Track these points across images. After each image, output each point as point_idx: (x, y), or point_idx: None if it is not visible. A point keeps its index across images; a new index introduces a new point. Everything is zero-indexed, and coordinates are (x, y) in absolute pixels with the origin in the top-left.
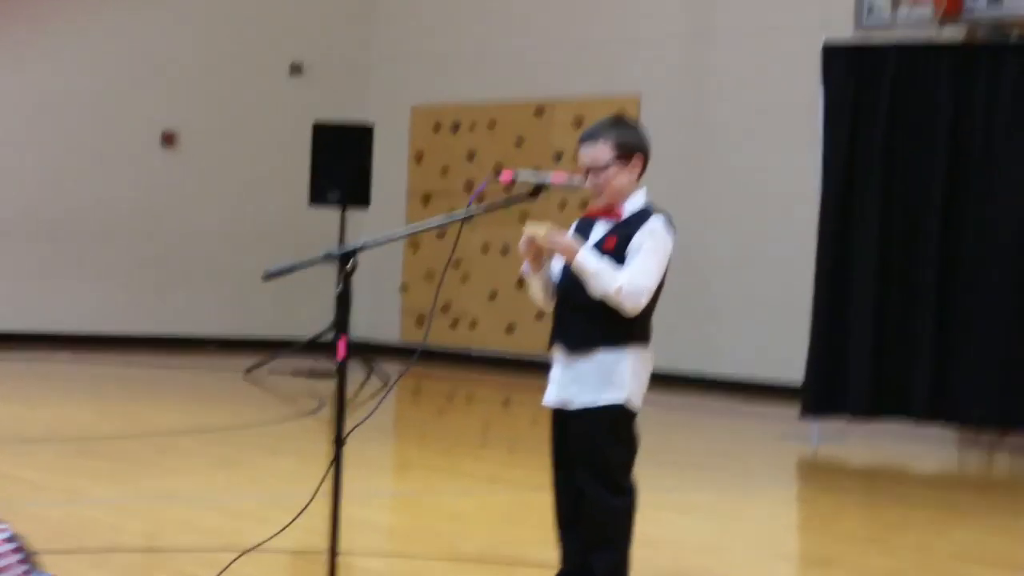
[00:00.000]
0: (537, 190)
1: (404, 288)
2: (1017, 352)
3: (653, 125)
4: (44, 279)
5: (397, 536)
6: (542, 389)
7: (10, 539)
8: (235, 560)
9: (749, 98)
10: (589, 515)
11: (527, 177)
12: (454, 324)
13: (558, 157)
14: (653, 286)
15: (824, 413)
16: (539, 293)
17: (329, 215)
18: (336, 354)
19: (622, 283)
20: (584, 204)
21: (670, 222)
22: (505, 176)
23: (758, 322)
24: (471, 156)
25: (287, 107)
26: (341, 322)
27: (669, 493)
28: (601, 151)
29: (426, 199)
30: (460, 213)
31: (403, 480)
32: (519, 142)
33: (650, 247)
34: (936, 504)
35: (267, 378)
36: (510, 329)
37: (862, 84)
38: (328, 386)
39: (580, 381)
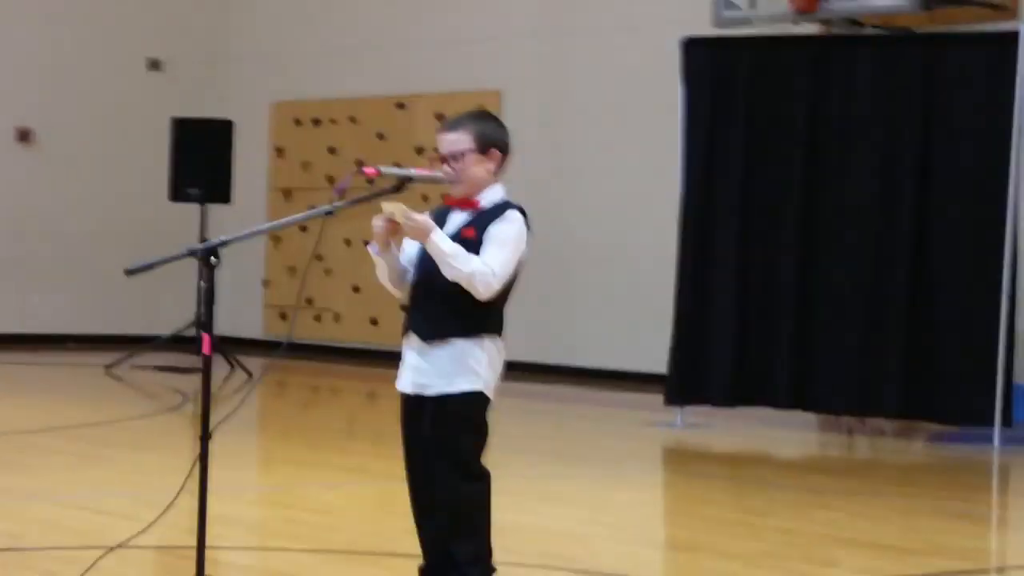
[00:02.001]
0: (401, 183)
1: (266, 283)
2: (873, 342)
3: (514, 119)
4: None
5: (265, 530)
6: None
7: None
8: (101, 558)
9: (609, 93)
10: (445, 502)
11: (392, 171)
12: (318, 317)
13: (420, 151)
14: (506, 274)
15: (688, 402)
16: (384, 275)
17: (190, 211)
18: (200, 349)
19: (476, 267)
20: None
21: (526, 217)
22: (369, 170)
23: (622, 313)
24: (333, 151)
25: (146, 103)
26: (206, 317)
27: (534, 481)
28: (460, 139)
29: (287, 194)
30: (324, 208)
31: (269, 474)
32: (381, 136)
33: (505, 237)
34: (799, 487)
35: (129, 374)
36: (374, 322)
37: (721, 78)
38: (190, 381)
39: (436, 368)
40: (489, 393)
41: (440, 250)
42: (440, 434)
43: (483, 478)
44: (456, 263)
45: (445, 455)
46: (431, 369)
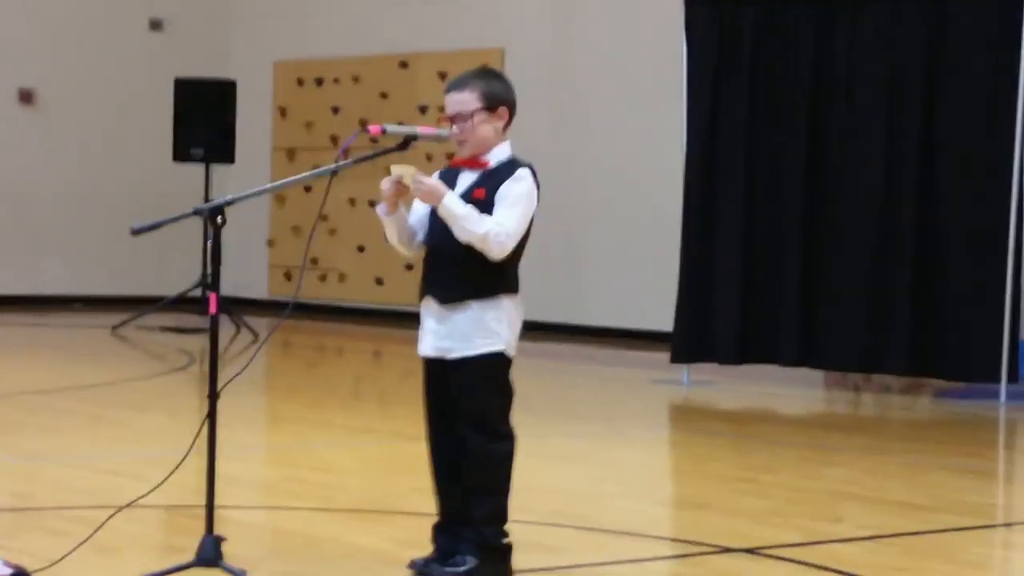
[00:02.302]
0: (406, 142)
1: (271, 243)
2: (879, 299)
3: (518, 78)
4: None
5: (272, 489)
6: (413, 340)
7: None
8: (111, 517)
9: (614, 51)
10: (470, 463)
11: (396, 129)
12: (323, 278)
13: (423, 110)
14: (519, 233)
15: (694, 360)
16: (394, 236)
17: (193, 172)
18: (206, 309)
19: (489, 228)
20: (451, 157)
21: (535, 174)
22: (374, 129)
23: (628, 271)
24: (336, 111)
25: (148, 63)
26: (212, 277)
27: (544, 440)
28: (468, 99)
29: (291, 154)
30: (329, 167)
31: (275, 433)
32: (384, 96)
33: (516, 195)
34: (805, 445)
35: (135, 335)
36: (379, 282)
37: (724, 37)
38: (196, 342)
39: (456, 331)
40: (510, 352)
41: (453, 213)
42: (464, 396)
43: (509, 438)
44: (469, 225)
45: (471, 417)
46: (451, 332)
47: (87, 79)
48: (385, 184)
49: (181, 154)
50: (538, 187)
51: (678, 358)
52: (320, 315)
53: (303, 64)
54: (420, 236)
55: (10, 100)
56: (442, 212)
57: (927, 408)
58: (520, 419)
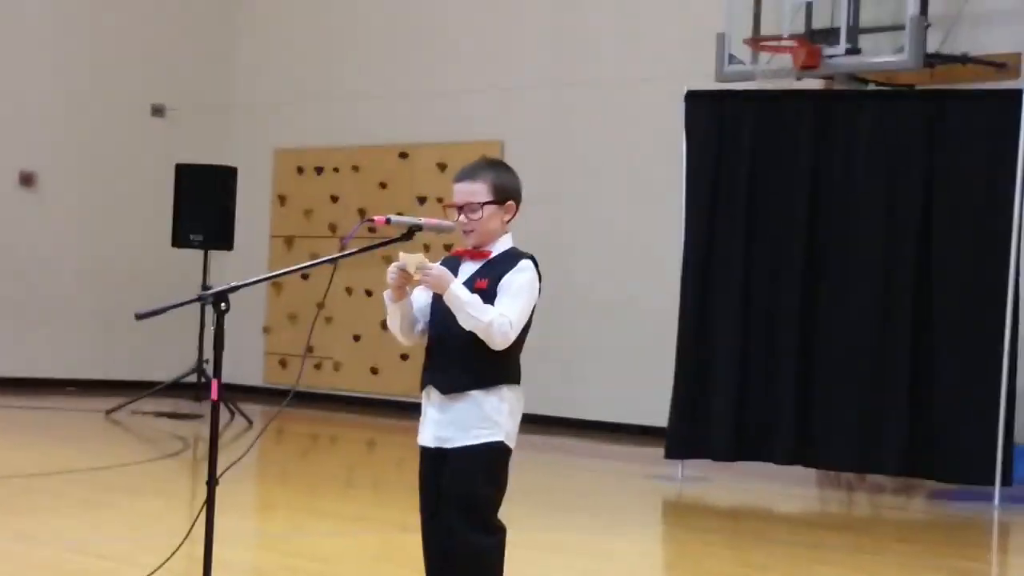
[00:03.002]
0: (411, 232)
1: (267, 330)
2: (874, 400)
3: (516, 170)
4: None
5: None
6: (407, 430)
7: None
8: None
9: (612, 145)
10: (461, 556)
11: (401, 220)
12: (318, 366)
13: (422, 201)
14: (522, 323)
15: (688, 455)
16: (396, 323)
17: (192, 257)
18: (202, 395)
19: (493, 317)
20: (450, 247)
21: (537, 265)
22: (379, 219)
23: (623, 366)
24: (335, 199)
25: (149, 148)
26: (214, 363)
27: (539, 532)
28: (478, 190)
29: (289, 242)
30: (335, 256)
31: (269, 520)
32: (383, 185)
33: (520, 286)
34: (799, 543)
35: (129, 419)
36: (374, 371)
37: (724, 131)
38: (191, 427)
39: (457, 421)
40: (510, 443)
41: (460, 300)
42: (459, 486)
43: (499, 531)
44: (475, 312)
45: (462, 507)
46: (452, 422)
47: (88, 162)
48: (392, 271)
49: (180, 240)
50: (540, 278)
51: (672, 454)
52: (315, 403)
53: (303, 152)
54: (421, 325)
55: (10, 182)
56: (448, 299)
57: (920, 509)
58: (512, 511)
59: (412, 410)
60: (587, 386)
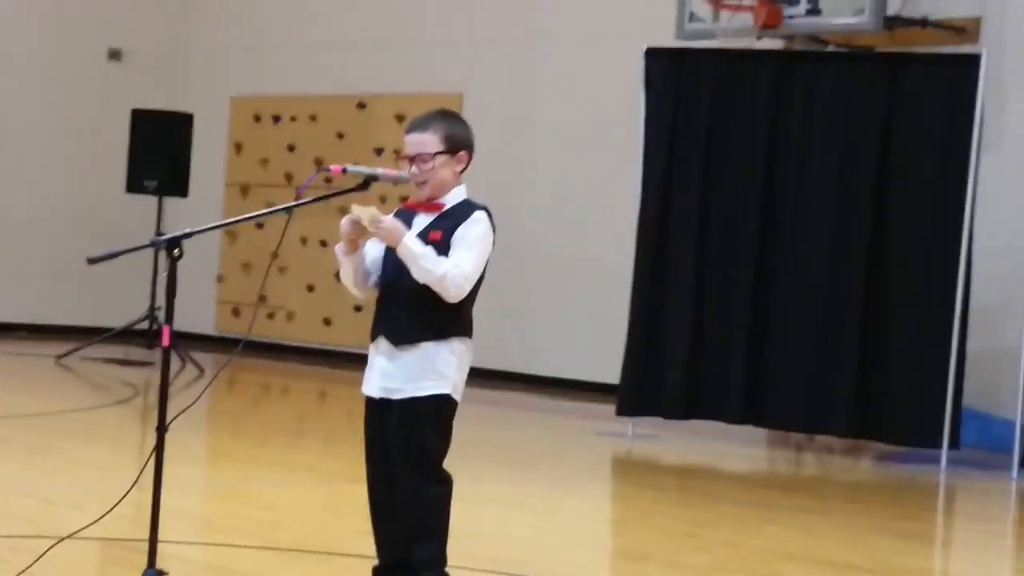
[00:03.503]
0: (366, 183)
1: (220, 278)
2: (825, 360)
3: (475, 124)
4: None
5: (213, 526)
6: (359, 382)
7: None
8: (52, 547)
9: (572, 101)
10: (407, 505)
11: (357, 170)
12: (271, 315)
13: (379, 152)
14: (475, 275)
15: (639, 413)
16: (349, 276)
17: (146, 204)
18: (154, 342)
19: (447, 269)
20: (406, 198)
21: (491, 217)
22: (335, 169)
23: (576, 322)
24: (291, 148)
25: (105, 93)
26: (166, 310)
27: (489, 486)
28: (429, 141)
29: (245, 190)
30: (288, 205)
31: (218, 470)
32: (340, 136)
33: (473, 238)
34: (747, 502)
35: (79, 365)
36: (327, 322)
37: (683, 89)
38: (141, 374)
39: (405, 372)
40: (456, 396)
41: (412, 252)
42: (405, 437)
43: (445, 481)
44: (428, 265)
45: (409, 458)
46: (400, 373)
47: (43, 106)
48: (345, 224)
49: (135, 186)
50: (494, 230)
51: (624, 411)
52: (267, 353)
53: (260, 100)
54: (374, 278)
55: None
56: (401, 252)
57: (868, 471)
58: (461, 464)
59: (364, 362)
60: (540, 342)
